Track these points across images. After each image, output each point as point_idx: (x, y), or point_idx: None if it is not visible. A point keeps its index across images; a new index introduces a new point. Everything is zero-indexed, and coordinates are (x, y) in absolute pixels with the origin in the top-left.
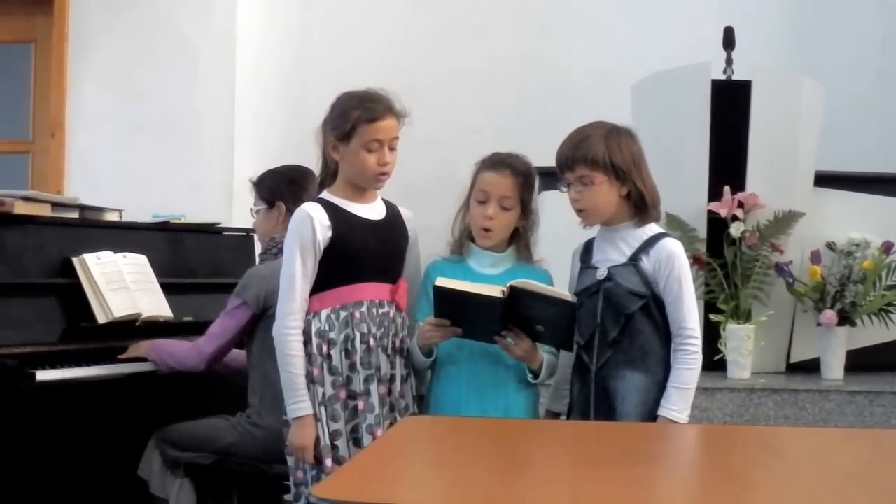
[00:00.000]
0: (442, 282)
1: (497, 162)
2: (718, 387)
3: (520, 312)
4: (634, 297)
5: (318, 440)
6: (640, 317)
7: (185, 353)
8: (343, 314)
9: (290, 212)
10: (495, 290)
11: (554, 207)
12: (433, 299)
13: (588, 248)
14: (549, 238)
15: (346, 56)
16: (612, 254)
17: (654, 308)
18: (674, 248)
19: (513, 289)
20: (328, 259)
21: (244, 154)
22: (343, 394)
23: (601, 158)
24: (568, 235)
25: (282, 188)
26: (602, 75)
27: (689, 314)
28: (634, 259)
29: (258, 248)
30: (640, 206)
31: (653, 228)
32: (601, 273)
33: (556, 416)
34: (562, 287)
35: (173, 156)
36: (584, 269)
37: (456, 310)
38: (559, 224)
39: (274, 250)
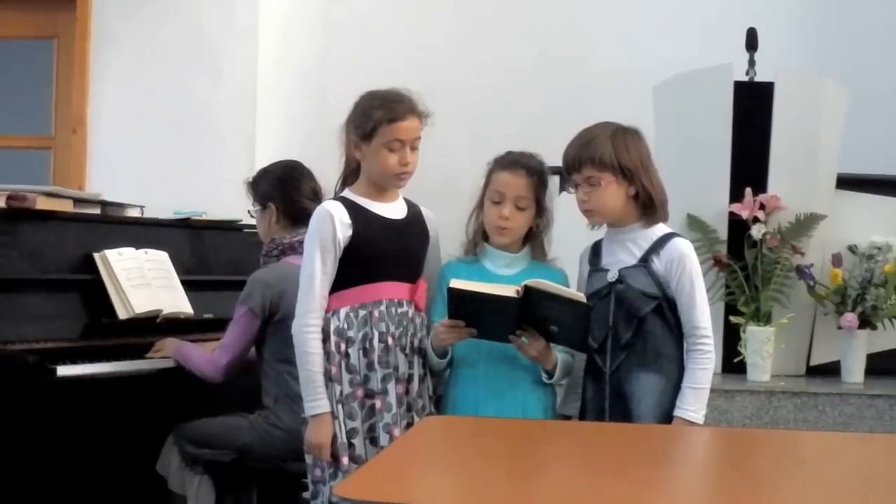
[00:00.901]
0: (456, 283)
1: (512, 162)
2: (738, 389)
3: (534, 312)
4: (647, 299)
5: (335, 438)
6: (652, 318)
7: (203, 363)
8: (362, 313)
9: (280, 212)
10: (510, 291)
11: (572, 208)
12: (447, 301)
13: (596, 250)
14: (566, 238)
15: (368, 54)
16: (622, 255)
17: (667, 309)
18: (685, 248)
19: (527, 289)
20: (348, 258)
21: (265, 151)
22: (360, 392)
23: (608, 159)
24: (589, 236)
25: (271, 189)
26: (624, 76)
27: (701, 314)
28: (645, 260)
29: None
30: (648, 206)
31: (662, 229)
32: (612, 275)
33: (566, 419)
34: (572, 288)
35: (194, 153)
36: (594, 271)
37: (470, 311)
38: (579, 224)
39: (275, 252)
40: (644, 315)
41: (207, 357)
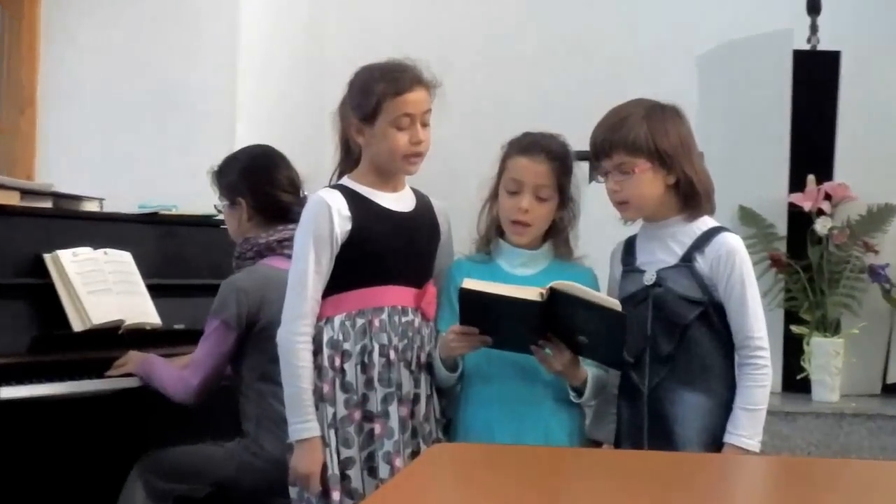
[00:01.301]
0: (469, 283)
1: (530, 145)
2: (801, 411)
3: (560, 320)
4: (690, 305)
5: (325, 468)
6: (697, 327)
7: (172, 383)
8: (360, 321)
9: (252, 207)
10: (532, 293)
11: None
12: (458, 303)
13: (630, 247)
14: (596, 234)
15: (368, 23)
16: (660, 254)
17: (714, 316)
18: (734, 243)
19: (553, 292)
20: (346, 256)
21: (247, 135)
22: (357, 415)
23: (643, 142)
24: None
25: (239, 181)
26: (664, 45)
27: (755, 321)
28: (687, 259)
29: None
30: (691, 197)
31: (707, 222)
32: (649, 277)
33: (597, 445)
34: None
35: (164, 136)
36: (628, 272)
37: (485, 315)
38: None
39: (250, 253)
40: (687, 323)
41: (177, 376)
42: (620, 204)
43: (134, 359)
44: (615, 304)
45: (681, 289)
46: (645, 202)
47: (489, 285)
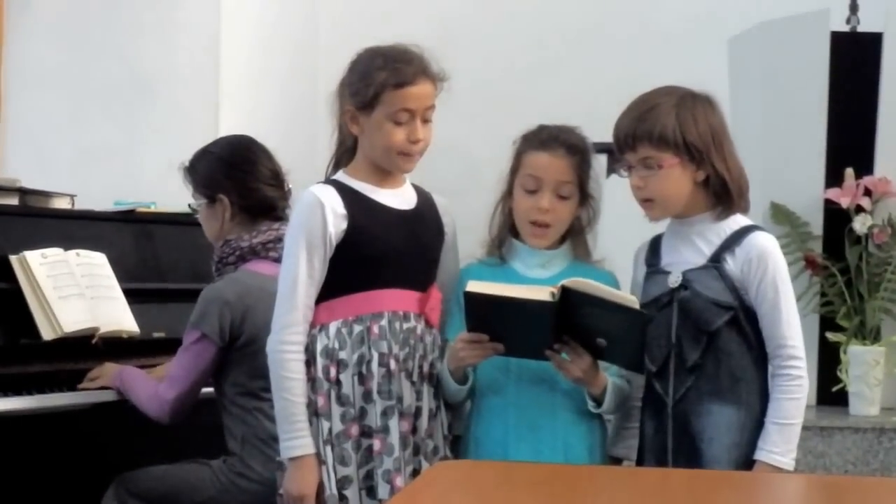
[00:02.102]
0: (474, 286)
1: (549, 139)
2: (838, 426)
3: (575, 321)
4: (718, 309)
5: (321, 488)
6: (726, 334)
7: (146, 399)
8: (357, 328)
9: (234, 204)
10: (542, 293)
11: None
12: (464, 309)
13: (655, 246)
14: (618, 233)
15: (366, 2)
16: (687, 254)
17: (745, 321)
18: (767, 243)
19: (565, 291)
20: (341, 257)
21: (232, 125)
22: (355, 430)
23: (671, 135)
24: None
25: (219, 176)
26: (691, 27)
27: (788, 327)
28: (716, 260)
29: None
30: (722, 194)
31: (738, 221)
32: (674, 279)
33: (617, 462)
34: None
35: (141, 127)
36: (652, 273)
37: (494, 320)
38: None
39: (232, 258)
40: (716, 330)
41: (152, 391)
42: (645, 202)
43: (109, 371)
44: (633, 301)
45: (709, 292)
46: (672, 200)
47: (496, 287)
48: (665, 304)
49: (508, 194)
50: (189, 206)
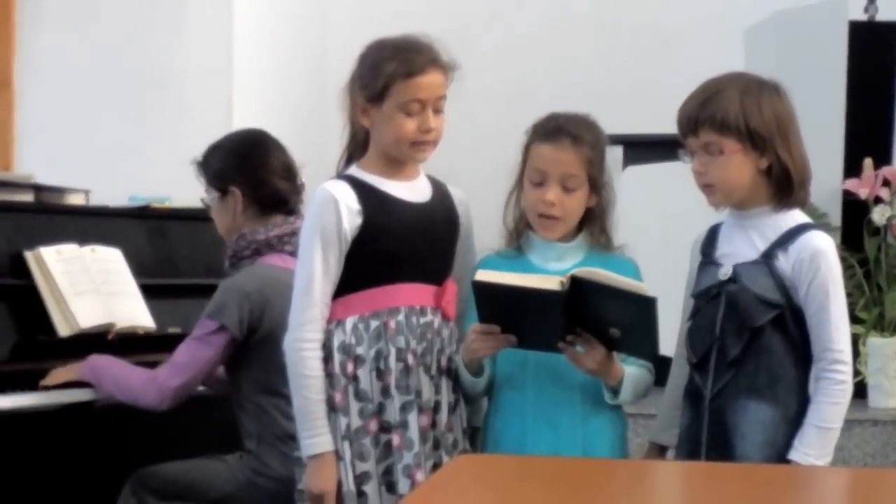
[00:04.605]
0: (483, 275)
1: (554, 130)
2: (857, 418)
3: (587, 311)
4: (765, 307)
5: (340, 485)
6: (770, 332)
7: (139, 386)
8: (374, 324)
9: (247, 197)
10: (552, 282)
11: (639, 187)
12: (475, 298)
13: (712, 237)
14: (634, 227)
15: None
16: (742, 247)
17: (791, 321)
18: (822, 244)
19: (574, 280)
20: (357, 253)
21: (245, 120)
22: (373, 426)
23: (733, 121)
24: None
25: (231, 168)
26: (706, 17)
27: (836, 331)
28: (769, 256)
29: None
30: (784, 184)
31: (796, 217)
32: (724, 272)
33: (662, 450)
34: (673, 287)
35: (155, 123)
36: (705, 264)
37: (504, 310)
38: (646, 208)
39: (247, 252)
40: (759, 326)
41: (145, 378)
42: (706, 187)
43: (73, 366)
44: (642, 288)
45: (757, 288)
46: (733, 187)
47: (506, 276)
48: (714, 296)
49: (520, 186)
50: (201, 200)
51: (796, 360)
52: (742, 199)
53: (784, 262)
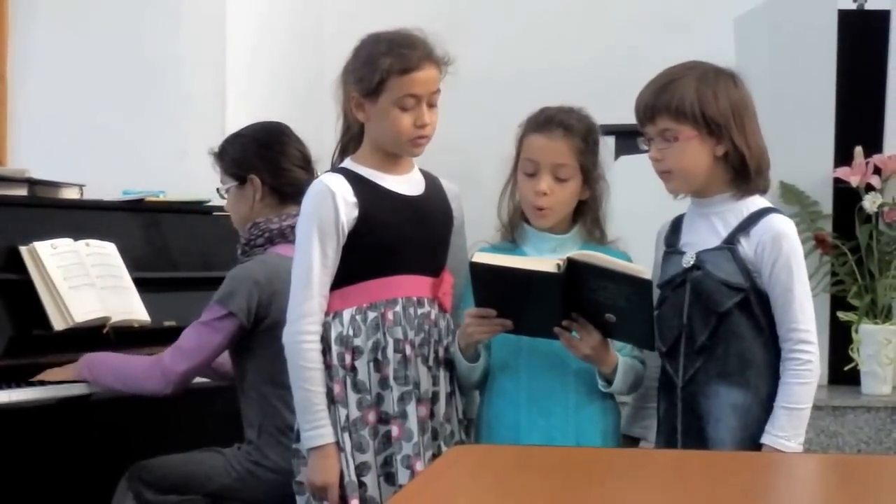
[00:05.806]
0: (480, 257)
1: (546, 121)
2: (850, 405)
3: (583, 296)
4: (729, 291)
5: (341, 475)
6: (737, 316)
7: (142, 373)
8: (372, 315)
9: (266, 185)
10: (548, 265)
11: (633, 176)
12: (471, 281)
13: (676, 226)
14: (626, 216)
15: None
16: (705, 234)
17: (756, 305)
18: (782, 226)
19: (571, 263)
20: (354, 245)
21: (239, 112)
22: (372, 417)
23: (688, 108)
24: (652, 212)
25: (252, 156)
26: (697, 6)
27: (800, 312)
28: (731, 241)
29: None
30: (741, 171)
31: (757, 202)
32: (688, 259)
33: (633, 442)
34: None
35: (148, 116)
36: (669, 253)
37: (500, 293)
38: (641, 198)
39: (260, 240)
40: (725, 311)
41: (148, 364)
42: (663, 174)
43: (70, 366)
44: (639, 270)
45: (721, 273)
46: (689, 173)
47: (502, 258)
48: (679, 284)
49: (514, 178)
50: (217, 190)
51: (765, 343)
52: (701, 187)
53: (746, 247)
